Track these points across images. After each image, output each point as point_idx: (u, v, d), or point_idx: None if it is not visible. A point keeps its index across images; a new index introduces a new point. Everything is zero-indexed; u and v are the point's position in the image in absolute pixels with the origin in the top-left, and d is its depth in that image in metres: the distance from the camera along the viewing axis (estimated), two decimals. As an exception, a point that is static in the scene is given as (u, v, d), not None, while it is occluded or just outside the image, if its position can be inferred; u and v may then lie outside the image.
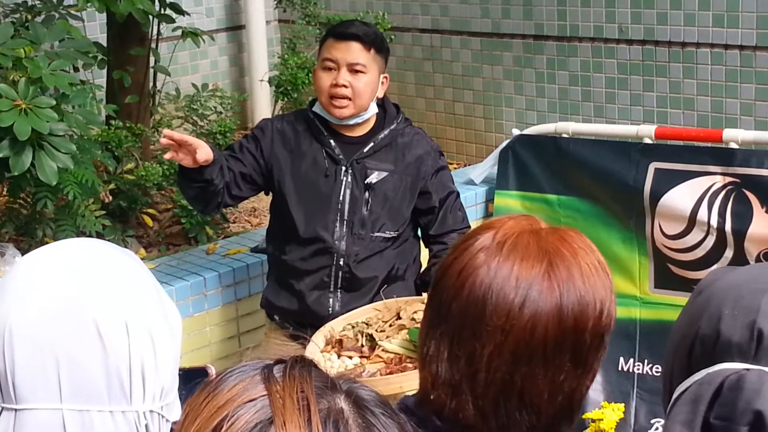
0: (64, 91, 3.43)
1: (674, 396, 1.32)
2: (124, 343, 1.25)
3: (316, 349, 2.83)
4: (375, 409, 0.94)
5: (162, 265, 3.85)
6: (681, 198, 3.84)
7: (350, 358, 2.82)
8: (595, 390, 3.94)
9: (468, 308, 1.39)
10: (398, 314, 2.96)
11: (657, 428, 3.82)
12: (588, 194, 4.11)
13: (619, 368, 3.95)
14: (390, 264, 3.22)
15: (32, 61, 3.35)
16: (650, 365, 3.92)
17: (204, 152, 2.98)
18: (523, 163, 4.30)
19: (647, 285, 3.94)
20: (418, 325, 2.83)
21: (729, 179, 3.77)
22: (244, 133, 4.60)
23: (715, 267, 3.76)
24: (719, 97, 4.71)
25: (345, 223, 3.17)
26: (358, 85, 3.12)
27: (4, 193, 4.11)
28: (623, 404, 3.68)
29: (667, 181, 3.88)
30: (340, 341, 2.87)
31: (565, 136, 4.29)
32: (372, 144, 3.21)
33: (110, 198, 4.33)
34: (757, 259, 3.67)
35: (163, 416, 1.30)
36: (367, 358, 2.81)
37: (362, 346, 2.85)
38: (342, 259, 3.17)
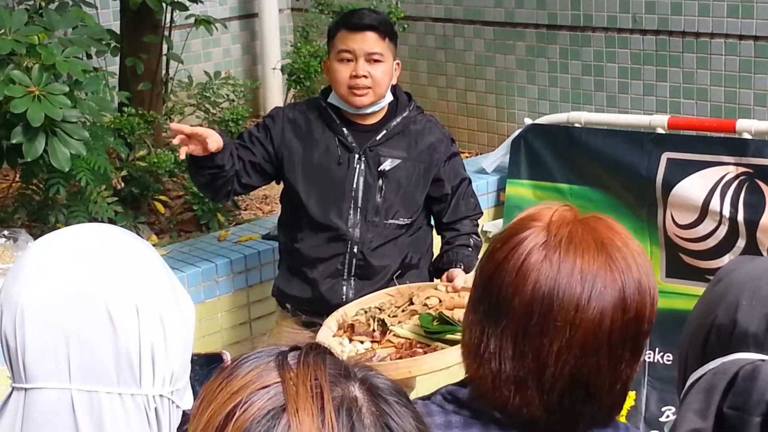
0: (77, 77, 3.44)
1: (688, 384, 1.31)
2: (134, 325, 1.26)
3: (328, 333, 2.84)
4: (389, 398, 0.94)
5: (174, 251, 3.86)
6: (693, 188, 3.83)
7: (361, 342, 2.83)
8: (606, 379, 3.94)
9: (533, 304, 1.39)
10: (411, 300, 2.96)
11: (668, 416, 3.82)
12: (600, 184, 4.11)
13: (630, 357, 3.94)
14: (403, 252, 3.22)
15: (46, 48, 3.36)
16: (661, 354, 3.92)
17: (214, 140, 2.99)
18: (535, 153, 4.30)
19: (659, 274, 3.94)
20: (430, 311, 2.85)
21: (742, 169, 3.76)
22: (255, 121, 4.60)
23: (727, 257, 3.75)
24: (733, 87, 4.69)
25: (359, 210, 3.17)
26: (377, 74, 3.13)
27: (17, 179, 4.13)
28: (634, 392, 3.71)
29: (680, 171, 3.87)
30: (352, 326, 2.88)
31: (577, 125, 4.28)
32: (385, 131, 3.21)
33: (122, 184, 4.34)
34: (770, 250, 3.67)
35: (173, 402, 1.31)
36: (378, 342, 2.81)
37: (374, 331, 2.86)
38: (356, 247, 3.17)
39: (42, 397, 1.25)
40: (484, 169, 4.57)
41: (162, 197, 4.56)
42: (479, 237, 3.32)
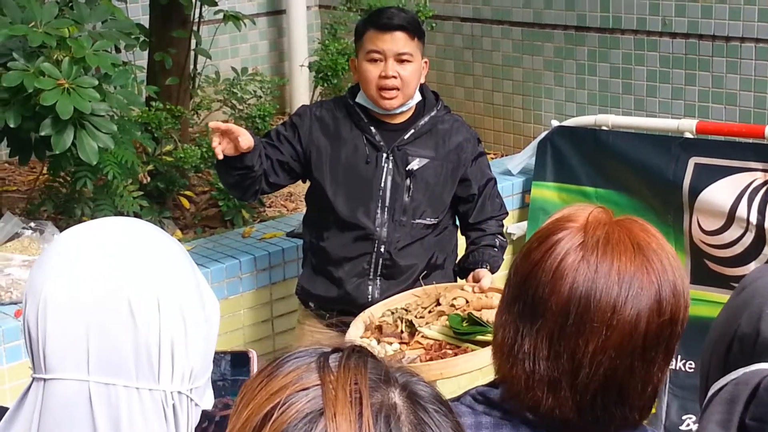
0: (106, 71, 3.45)
1: (710, 393, 1.30)
2: (154, 319, 1.26)
3: (356, 334, 2.83)
4: (429, 406, 0.92)
5: (198, 247, 3.87)
6: (721, 194, 3.80)
7: (390, 344, 2.81)
8: (628, 385, 3.92)
9: (570, 305, 1.40)
10: (437, 300, 2.95)
11: (688, 425, 3.80)
12: (626, 187, 4.08)
13: (653, 363, 3.92)
14: (430, 252, 3.22)
15: (76, 41, 3.38)
16: (683, 361, 3.90)
17: (246, 139, 2.99)
18: (561, 155, 4.28)
19: (683, 280, 3.91)
20: (458, 312, 2.84)
21: (770, 175, 3.73)
22: (282, 118, 4.61)
23: (753, 264, 3.72)
24: (762, 92, 4.66)
25: (386, 209, 3.17)
26: (406, 74, 3.12)
27: (44, 171, 4.15)
28: (656, 399, 3.69)
29: (707, 176, 3.85)
30: (379, 327, 2.87)
31: (604, 128, 4.26)
32: (413, 131, 3.21)
33: (148, 179, 4.37)
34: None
35: (192, 399, 1.30)
36: (407, 344, 2.80)
37: (402, 332, 2.84)
38: (383, 246, 3.17)
39: (60, 388, 1.25)
40: (509, 170, 4.56)
41: (187, 192, 4.58)
42: (504, 237, 3.31)
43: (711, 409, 1.25)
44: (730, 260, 3.80)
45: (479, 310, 2.85)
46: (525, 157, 4.51)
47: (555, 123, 4.44)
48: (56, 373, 1.25)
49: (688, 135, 4.05)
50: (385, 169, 3.17)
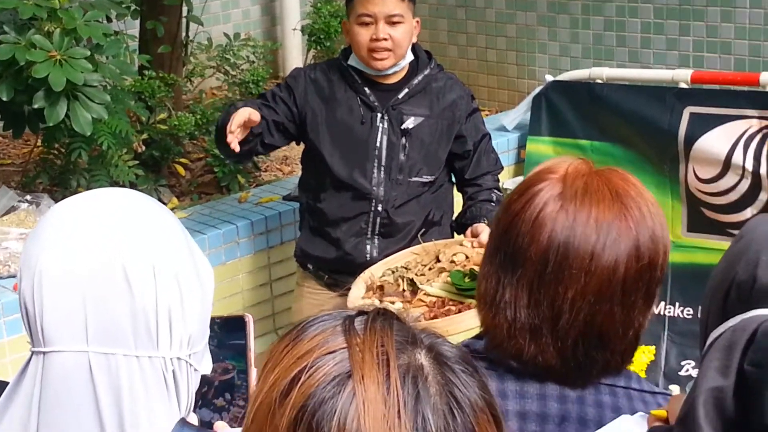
0: (98, 41, 3.44)
1: (708, 341, 1.31)
2: (150, 287, 1.26)
3: (358, 295, 2.84)
4: (455, 366, 0.93)
5: (195, 213, 3.88)
6: (716, 142, 3.80)
7: (392, 303, 2.81)
8: (627, 334, 3.93)
9: (548, 253, 1.42)
10: (437, 257, 2.95)
11: (687, 370, 3.82)
12: (622, 139, 4.08)
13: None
14: (427, 209, 3.23)
15: (67, 12, 3.36)
16: (681, 308, 3.91)
17: (255, 116, 3.00)
18: (556, 109, 4.27)
19: (680, 228, 3.92)
20: (459, 268, 2.85)
21: (765, 123, 3.73)
22: (276, 83, 4.60)
23: (749, 211, 3.73)
24: (757, 40, 4.64)
25: (382, 168, 3.18)
26: (397, 36, 3.12)
27: (39, 144, 4.15)
28: (654, 346, 3.71)
29: (702, 125, 3.84)
30: (381, 287, 2.87)
31: (599, 81, 4.25)
32: (407, 90, 3.21)
33: (143, 148, 4.36)
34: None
35: (191, 365, 1.31)
36: (410, 302, 2.80)
37: (404, 291, 2.85)
38: (380, 205, 3.18)
39: (60, 360, 1.26)
40: (504, 126, 4.56)
41: (183, 160, 4.58)
42: (501, 192, 3.32)
43: (709, 356, 1.25)
44: (727, 207, 3.80)
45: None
46: (520, 113, 4.50)
47: (549, 78, 4.43)
48: (55, 346, 1.25)
49: (683, 85, 4.04)
50: (380, 129, 3.18)
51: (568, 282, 1.41)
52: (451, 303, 2.74)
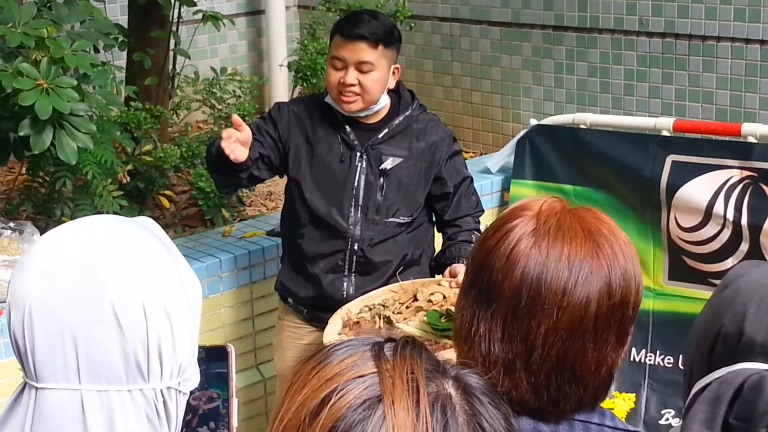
0: (85, 71, 3.45)
1: (693, 392, 1.31)
2: (141, 325, 1.26)
3: (334, 330, 2.85)
4: (482, 398, 0.94)
5: (178, 246, 3.80)
6: (698, 191, 3.83)
7: None
8: (607, 380, 3.94)
9: (522, 288, 1.45)
10: (415, 296, 2.96)
11: (667, 419, 3.83)
12: (604, 185, 4.11)
13: (632, 358, 3.95)
14: (404, 249, 3.24)
15: (55, 41, 3.37)
16: (662, 356, 3.93)
17: (248, 131, 3.02)
18: (539, 153, 4.30)
19: (661, 277, 3.94)
20: (436, 307, 2.86)
21: (746, 173, 3.76)
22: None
23: (730, 261, 3.75)
24: (738, 91, 4.70)
25: (359, 208, 3.19)
26: (367, 82, 3.14)
27: (23, 171, 4.14)
28: (634, 394, 3.71)
29: (684, 173, 3.88)
30: (357, 323, 2.88)
31: (582, 126, 4.28)
32: (387, 130, 3.22)
33: (128, 179, 4.36)
34: (773, 253, 3.67)
35: (180, 391, 1.32)
36: None
37: (380, 328, 2.86)
38: (356, 244, 3.19)
39: (52, 397, 1.26)
40: (488, 168, 4.57)
41: (167, 192, 4.57)
42: (481, 234, 3.33)
43: (695, 409, 1.26)
44: (708, 256, 3.83)
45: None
46: (504, 156, 4.53)
47: (533, 121, 4.46)
48: (48, 383, 1.26)
49: (665, 133, 4.08)
50: (358, 168, 3.20)
51: (540, 317, 1.44)
52: (426, 342, 2.74)
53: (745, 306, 1.30)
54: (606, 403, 3.66)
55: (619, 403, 3.47)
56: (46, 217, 4.01)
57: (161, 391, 1.28)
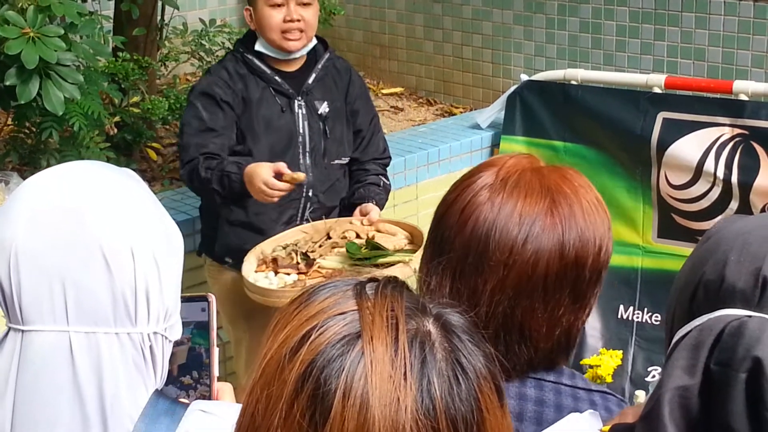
0: (72, 20, 3.40)
1: (674, 340, 1.31)
2: (129, 267, 1.27)
3: (250, 269, 2.87)
4: (462, 335, 0.96)
5: (165, 199, 3.85)
6: (688, 148, 3.83)
7: (288, 274, 2.86)
8: (594, 336, 3.96)
9: (471, 244, 1.43)
10: (328, 234, 3.01)
11: (653, 376, 3.85)
12: (594, 142, 4.10)
13: (619, 316, 3.97)
14: (342, 191, 3.30)
15: (41, -11, 3.32)
16: (650, 314, 3.94)
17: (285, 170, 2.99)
18: (530, 109, 4.28)
19: (650, 234, 3.95)
20: (355, 241, 2.88)
21: (737, 131, 3.76)
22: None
23: (719, 218, 3.75)
24: (731, 48, 4.68)
25: (308, 154, 3.19)
26: (309, 17, 3.15)
27: (9, 121, 4.10)
28: (621, 351, 3.73)
29: (675, 131, 3.87)
30: (274, 260, 2.91)
31: (573, 83, 4.27)
32: (314, 75, 3.24)
33: (115, 130, 4.32)
34: (762, 212, 3.67)
35: (166, 337, 1.32)
36: (305, 274, 2.84)
37: (297, 263, 2.89)
38: (311, 190, 3.20)
39: (39, 340, 1.26)
40: (478, 124, 4.56)
41: (154, 144, 4.55)
42: (388, 181, 3.37)
43: (676, 355, 1.25)
44: (697, 214, 3.83)
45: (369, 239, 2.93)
46: (494, 111, 4.51)
47: (524, 77, 4.43)
48: (34, 325, 1.26)
49: (656, 90, 4.06)
50: (299, 115, 3.21)
51: (487, 274, 1.42)
52: (347, 274, 2.77)
53: (727, 253, 1.29)
54: (593, 360, 3.68)
55: (605, 360, 3.48)
56: (32, 168, 3.98)
57: (148, 335, 1.29)
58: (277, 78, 3.20)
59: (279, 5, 3.12)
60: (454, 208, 1.46)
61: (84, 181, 1.31)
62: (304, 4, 3.14)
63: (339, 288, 0.97)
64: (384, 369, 0.89)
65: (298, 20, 3.12)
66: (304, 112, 3.20)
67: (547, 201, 1.43)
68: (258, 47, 3.19)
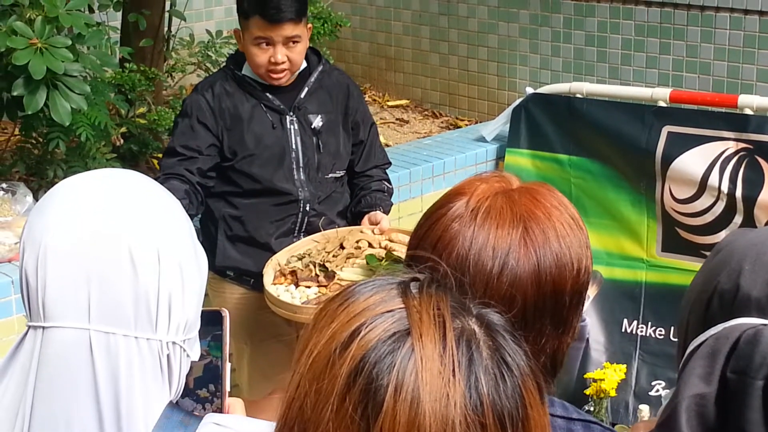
0: (79, 31, 3.42)
1: (689, 350, 1.32)
2: (154, 271, 1.27)
3: (268, 282, 2.87)
4: (505, 334, 0.98)
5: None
6: (693, 162, 3.83)
7: (308, 287, 2.87)
8: (598, 350, 3.96)
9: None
10: (341, 245, 3.01)
11: (657, 390, 3.84)
12: (599, 155, 4.10)
13: (623, 329, 3.96)
14: (340, 203, 3.29)
15: (49, 0, 3.34)
16: (654, 328, 3.94)
17: None
18: (535, 122, 4.29)
19: (654, 248, 3.95)
20: (372, 252, 2.87)
21: (742, 145, 3.76)
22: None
23: (723, 233, 3.75)
24: (736, 62, 4.68)
25: (301, 169, 3.20)
26: (294, 56, 3.12)
27: (16, 132, 4.12)
28: (625, 365, 3.73)
29: (680, 144, 3.87)
30: (293, 272, 2.91)
31: (579, 96, 4.27)
32: (306, 89, 3.23)
33: (121, 141, 4.34)
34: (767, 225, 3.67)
35: (184, 350, 1.32)
36: (326, 287, 2.85)
37: (317, 276, 2.89)
38: (307, 205, 3.20)
39: (60, 337, 1.26)
40: (483, 137, 4.57)
41: (160, 155, 4.55)
42: (390, 184, 3.38)
43: (692, 364, 1.26)
44: (702, 228, 3.83)
45: (387, 250, 2.93)
46: (499, 124, 4.51)
47: (530, 90, 4.44)
48: (56, 321, 1.26)
49: (661, 103, 4.07)
50: (292, 131, 3.20)
51: None
52: None
53: (741, 263, 1.30)
54: (597, 374, 3.68)
55: (609, 373, 3.48)
56: (38, 179, 3.99)
57: (167, 344, 1.29)
58: (267, 94, 3.18)
59: (265, 46, 3.09)
60: (427, 241, 1.42)
61: (119, 184, 1.34)
62: (293, 42, 3.10)
63: (382, 286, 0.98)
64: (434, 366, 0.91)
65: (284, 62, 3.10)
66: (296, 127, 3.19)
67: (519, 230, 1.38)
68: (245, 72, 3.19)
